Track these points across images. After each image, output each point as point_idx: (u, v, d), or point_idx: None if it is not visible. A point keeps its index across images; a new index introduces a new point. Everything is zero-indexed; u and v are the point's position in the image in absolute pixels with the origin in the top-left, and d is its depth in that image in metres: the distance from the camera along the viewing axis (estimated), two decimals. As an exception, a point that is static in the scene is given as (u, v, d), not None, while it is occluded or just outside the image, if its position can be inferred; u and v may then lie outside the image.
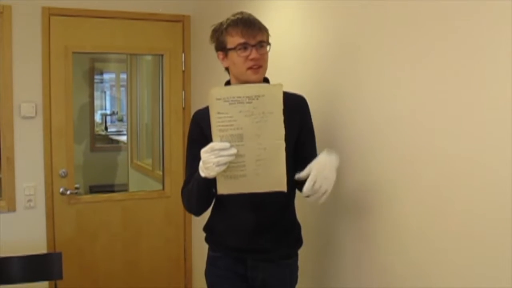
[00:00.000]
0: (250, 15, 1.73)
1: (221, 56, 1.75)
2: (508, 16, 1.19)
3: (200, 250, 3.35)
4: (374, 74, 1.70)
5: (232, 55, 1.69)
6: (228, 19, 1.72)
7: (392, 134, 1.62)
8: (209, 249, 1.93)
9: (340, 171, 1.88)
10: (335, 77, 1.92)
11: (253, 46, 1.67)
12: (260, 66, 1.69)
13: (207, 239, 1.93)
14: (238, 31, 1.66)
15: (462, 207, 1.36)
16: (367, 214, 1.77)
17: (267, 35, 1.75)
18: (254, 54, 1.66)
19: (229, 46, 1.69)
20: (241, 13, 1.73)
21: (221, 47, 1.72)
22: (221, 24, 1.73)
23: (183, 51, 3.52)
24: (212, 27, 1.76)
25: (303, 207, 1.95)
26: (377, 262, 1.73)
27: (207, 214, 1.87)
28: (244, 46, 1.67)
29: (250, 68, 1.67)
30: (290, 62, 2.23)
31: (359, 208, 1.81)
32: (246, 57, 1.67)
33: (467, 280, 1.35)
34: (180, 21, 3.50)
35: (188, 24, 3.51)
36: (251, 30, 1.66)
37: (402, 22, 1.56)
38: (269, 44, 1.73)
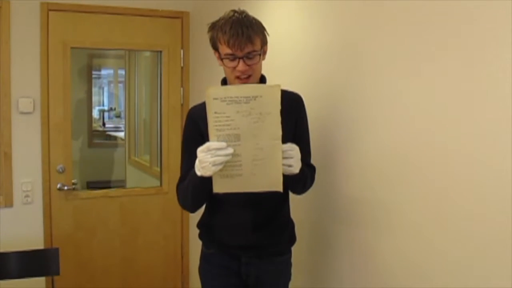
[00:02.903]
0: (244, 16, 1.66)
1: (216, 55, 1.74)
2: (509, 16, 1.19)
3: (197, 246, 3.34)
4: (374, 74, 1.70)
5: (222, 61, 1.68)
6: (222, 18, 1.68)
7: (392, 134, 1.62)
8: (203, 246, 1.93)
9: (338, 170, 1.89)
10: (335, 77, 1.92)
11: (240, 58, 1.63)
12: (249, 76, 1.66)
13: (200, 236, 1.94)
14: (225, 40, 1.62)
15: (461, 207, 1.36)
16: (363, 213, 1.77)
17: (261, 40, 1.68)
18: (241, 66, 1.63)
19: (220, 51, 1.68)
20: (235, 13, 1.67)
21: (216, 48, 1.71)
22: (216, 22, 1.70)
23: (182, 48, 3.51)
24: (208, 25, 1.73)
25: (297, 205, 1.95)
26: (371, 259, 1.73)
27: (201, 210, 1.88)
28: (231, 58, 1.64)
29: (237, 77, 1.66)
30: (289, 61, 2.22)
31: (354, 206, 1.82)
32: (234, 68, 1.65)
33: (466, 281, 1.35)
34: (179, 17, 3.49)
35: (187, 20, 3.50)
36: (238, 42, 1.60)
37: (403, 22, 1.56)
38: (260, 54, 1.67)
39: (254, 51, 1.65)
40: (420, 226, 1.50)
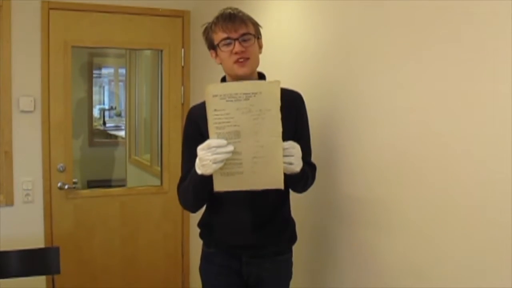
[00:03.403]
0: (235, 9, 1.72)
1: (213, 55, 1.76)
2: (509, 16, 1.19)
3: (197, 246, 3.34)
4: (374, 73, 1.70)
5: (219, 51, 1.70)
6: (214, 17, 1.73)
7: (392, 134, 1.62)
8: (204, 245, 1.93)
9: (337, 169, 1.89)
10: (335, 76, 1.92)
11: (235, 39, 1.66)
12: (246, 59, 1.68)
13: (201, 235, 1.93)
14: (219, 26, 1.67)
15: (461, 207, 1.36)
16: (363, 212, 1.77)
17: (254, 27, 1.73)
18: (237, 47, 1.66)
19: (216, 43, 1.70)
20: (226, 8, 1.73)
21: (211, 45, 1.74)
22: (209, 23, 1.74)
23: (183, 47, 3.51)
24: (203, 27, 1.77)
25: (298, 203, 1.95)
26: (371, 258, 1.73)
27: (202, 209, 1.87)
28: (227, 41, 1.67)
29: (236, 62, 1.67)
30: (289, 60, 2.22)
31: (355, 205, 1.81)
32: (231, 52, 1.67)
33: (466, 281, 1.35)
34: (180, 16, 3.49)
35: (188, 19, 3.50)
36: (232, 23, 1.66)
37: (403, 21, 1.55)
38: (254, 36, 1.71)
39: (249, 33, 1.69)
40: (420, 226, 1.50)
